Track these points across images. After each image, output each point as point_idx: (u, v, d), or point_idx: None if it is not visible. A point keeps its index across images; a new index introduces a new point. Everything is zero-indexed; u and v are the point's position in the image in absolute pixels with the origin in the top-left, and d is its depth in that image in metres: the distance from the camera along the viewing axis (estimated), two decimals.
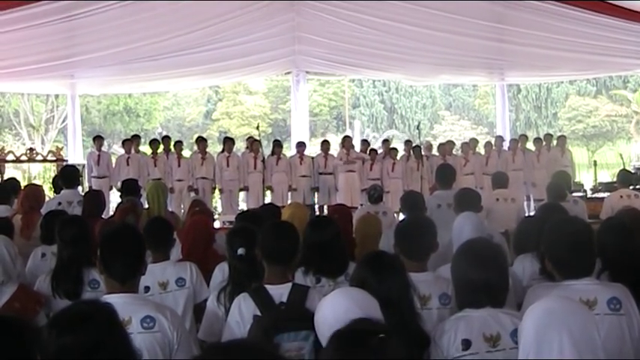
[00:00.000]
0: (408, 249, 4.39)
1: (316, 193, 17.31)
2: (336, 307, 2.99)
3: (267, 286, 4.11)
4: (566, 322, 2.69)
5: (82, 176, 14.40)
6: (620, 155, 20.86)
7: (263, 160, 15.93)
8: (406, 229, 4.60)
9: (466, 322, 3.42)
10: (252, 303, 4.02)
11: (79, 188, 9.86)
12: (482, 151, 18.25)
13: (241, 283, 4.54)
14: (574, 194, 11.53)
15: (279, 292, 4.07)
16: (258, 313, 3.95)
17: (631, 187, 11.49)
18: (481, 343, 3.37)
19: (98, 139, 17.24)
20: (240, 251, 4.63)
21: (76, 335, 2.72)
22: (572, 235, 3.73)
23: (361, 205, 14.72)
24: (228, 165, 16.61)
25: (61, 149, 18.33)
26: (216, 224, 13.21)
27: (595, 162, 19.86)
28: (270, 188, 16.70)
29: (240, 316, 4.04)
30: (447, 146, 18.26)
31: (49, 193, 11.85)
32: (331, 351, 2.43)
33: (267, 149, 17.31)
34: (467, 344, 3.37)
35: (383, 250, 5.32)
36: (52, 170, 16.90)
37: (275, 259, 4.19)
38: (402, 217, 8.15)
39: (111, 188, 16.14)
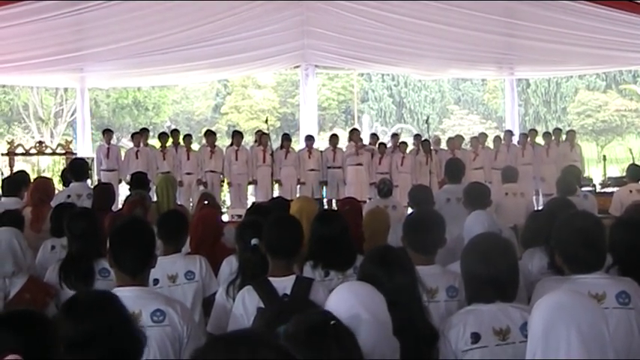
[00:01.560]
0: (416, 242, 4.39)
1: (325, 187, 17.31)
2: (341, 303, 2.98)
3: (271, 279, 4.14)
4: (575, 316, 2.67)
5: (90, 169, 14.43)
6: (630, 150, 20.85)
7: (272, 154, 15.98)
8: (415, 223, 4.60)
9: (475, 316, 3.42)
10: (256, 295, 4.05)
11: (88, 181, 9.87)
12: (492, 146, 18.22)
13: (252, 275, 4.54)
14: (583, 189, 11.50)
15: (283, 284, 4.10)
16: (262, 306, 3.97)
17: None
18: (490, 337, 3.37)
19: (107, 133, 17.29)
20: (254, 241, 4.63)
21: (86, 322, 2.74)
22: (583, 229, 3.72)
23: (370, 199, 14.74)
24: (236, 159, 16.62)
25: (70, 142, 18.36)
26: (225, 218, 13.24)
27: (604, 157, 19.82)
28: (278, 182, 16.71)
29: (244, 309, 4.06)
30: (456, 141, 18.26)
31: (58, 186, 11.88)
32: (296, 347, 2.42)
33: (275, 143, 17.31)
34: (476, 337, 3.37)
35: (391, 244, 5.31)
36: (61, 163, 16.96)
37: (278, 252, 4.23)
38: (410, 211, 8.14)
39: (120, 181, 16.17)
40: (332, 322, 2.50)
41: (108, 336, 2.72)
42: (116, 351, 2.73)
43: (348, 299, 2.99)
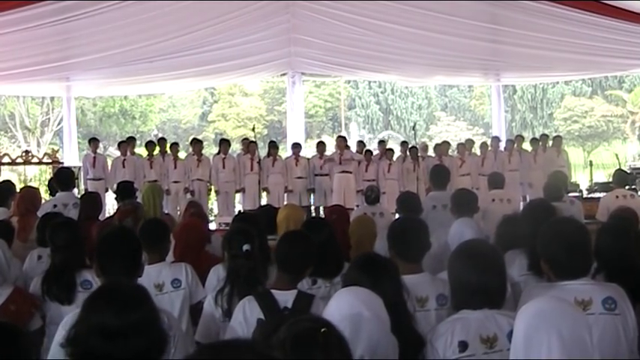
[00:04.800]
0: (402, 251, 4.38)
1: (312, 195, 17.30)
2: (342, 303, 2.99)
3: (274, 291, 4.14)
4: (556, 323, 2.68)
5: (77, 179, 14.37)
6: (616, 155, 20.90)
7: (259, 162, 15.94)
8: (399, 232, 4.58)
9: (462, 324, 3.41)
10: (257, 307, 4.04)
11: (75, 191, 9.84)
12: (478, 152, 18.24)
13: (244, 280, 4.56)
14: (570, 194, 11.53)
15: (285, 298, 4.09)
16: (262, 317, 3.97)
17: (627, 187, 11.54)
18: (478, 345, 3.36)
19: (94, 142, 17.23)
20: (246, 247, 4.63)
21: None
22: (568, 236, 3.72)
23: (357, 206, 14.73)
24: (224, 167, 16.60)
25: (57, 152, 18.33)
26: (213, 226, 13.21)
27: (591, 162, 19.87)
28: (266, 190, 16.69)
29: (245, 319, 4.04)
30: (442, 147, 18.26)
31: (44, 195, 11.84)
32: (290, 352, 2.42)
33: (262, 151, 17.29)
34: (464, 346, 3.35)
35: (379, 251, 5.32)
36: (47, 173, 16.88)
37: (287, 267, 4.23)
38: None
39: (107, 190, 16.12)
40: (322, 330, 2.49)
41: (149, 327, 2.71)
42: (152, 342, 2.72)
43: (348, 299, 3.01)
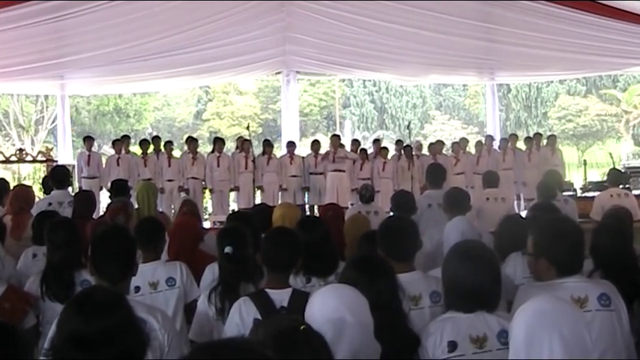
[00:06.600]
0: (393, 251, 4.37)
1: (307, 193, 17.30)
2: (325, 305, 2.95)
3: (268, 291, 4.13)
4: (557, 322, 2.68)
5: (72, 177, 14.35)
6: (610, 154, 20.86)
7: (254, 160, 15.95)
8: (389, 232, 4.58)
9: (452, 324, 3.41)
10: (254, 307, 4.03)
11: (70, 189, 9.82)
12: (473, 151, 18.26)
13: (231, 282, 4.56)
14: (564, 193, 11.54)
15: (281, 297, 4.09)
16: (259, 317, 3.95)
17: (621, 186, 11.56)
18: (467, 345, 3.36)
19: (88, 140, 17.22)
20: (227, 249, 4.63)
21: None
22: (565, 233, 3.74)
23: (351, 204, 14.72)
24: (218, 165, 16.59)
25: (51, 150, 18.31)
26: (207, 224, 13.22)
27: (585, 161, 19.90)
28: (260, 188, 16.69)
29: (241, 319, 4.02)
30: (437, 146, 18.28)
31: (38, 193, 11.81)
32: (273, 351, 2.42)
33: (257, 149, 17.29)
34: (453, 346, 3.36)
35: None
36: (41, 171, 16.88)
37: (275, 267, 4.22)
38: None
39: (101, 189, 16.12)
40: (302, 327, 2.49)
41: (121, 335, 2.69)
42: (124, 351, 2.69)
43: (332, 302, 2.96)
